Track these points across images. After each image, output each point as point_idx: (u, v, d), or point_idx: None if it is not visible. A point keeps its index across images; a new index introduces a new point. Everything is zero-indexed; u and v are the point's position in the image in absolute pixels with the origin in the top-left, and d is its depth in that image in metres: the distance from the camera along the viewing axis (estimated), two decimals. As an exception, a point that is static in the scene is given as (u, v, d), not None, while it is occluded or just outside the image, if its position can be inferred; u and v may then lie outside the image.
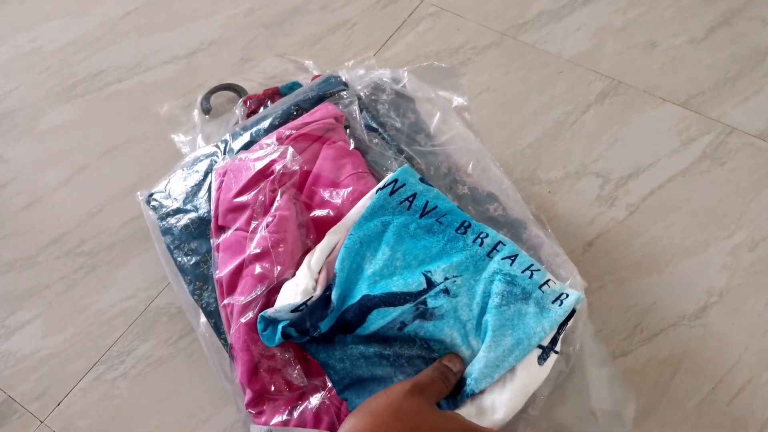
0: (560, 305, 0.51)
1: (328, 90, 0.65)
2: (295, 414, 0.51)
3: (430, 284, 0.52)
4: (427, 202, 0.55)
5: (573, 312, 0.51)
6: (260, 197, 0.56)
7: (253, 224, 0.56)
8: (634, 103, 0.79)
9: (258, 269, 0.54)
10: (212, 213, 0.60)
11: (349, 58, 0.77)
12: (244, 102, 0.75)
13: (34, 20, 0.92)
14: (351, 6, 0.91)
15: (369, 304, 0.50)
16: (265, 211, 0.56)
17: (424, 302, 0.51)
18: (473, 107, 0.77)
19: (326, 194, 0.58)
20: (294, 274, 0.53)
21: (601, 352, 0.55)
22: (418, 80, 0.65)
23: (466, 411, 0.47)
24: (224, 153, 0.64)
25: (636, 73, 0.82)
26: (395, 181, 0.55)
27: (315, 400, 0.51)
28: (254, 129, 0.64)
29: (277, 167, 0.57)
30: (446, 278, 0.52)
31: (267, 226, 0.55)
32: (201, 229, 0.61)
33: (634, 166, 0.75)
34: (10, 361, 0.66)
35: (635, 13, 0.88)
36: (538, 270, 0.53)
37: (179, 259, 0.60)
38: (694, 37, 0.85)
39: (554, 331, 0.50)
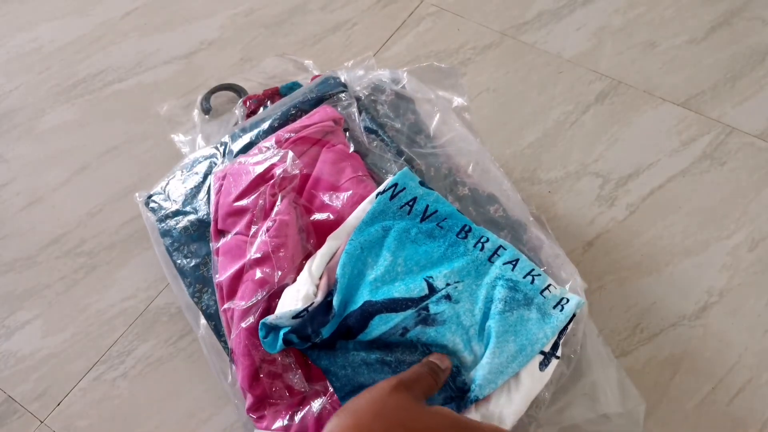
0: (561, 311, 0.51)
1: (327, 92, 0.65)
2: (297, 419, 0.51)
3: (432, 290, 0.51)
4: (427, 206, 0.55)
5: (573, 316, 0.51)
6: (260, 201, 0.56)
7: (253, 228, 0.56)
8: (634, 103, 0.79)
9: (258, 274, 0.53)
10: (211, 217, 0.60)
11: (348, 58, 0.77)
12: (244, 102, 0.75)
13: (34, 20, 0.92)
14: (351, 6, 0.91)
15: (371, 310, 0.50)
16: (265, 215, 0.56)
17: (426, 308, 0.51)
18: (473, 107, 0.77)
19: (326, 197, 0.57)
20: (295, 279, 0.53)
21: (607, 353, 0.55)
22: (418, 81, 0.65)
23: (471, 418, 0.47)
24: (223, 155, 0.64)
25: (636, 73, 0.82)
26: (395, 185, 0.55)
27: (316, 405, 0.51)
28: (253, 131, 0.64)
29: (277, 171, 0.57)
30: (448, 284, 0.52)
31: (267, 230, 0.55)
32: (200, 231, 0.60)
33: (634, 166, 0.74)
34: (10, 361, 0.66)
35: (635, 13, 0.88)
36: (539, 275, 0.53)
37: (179, 261, 0.60)
38: (694, 37, 0.85)
39: (555, 337, 0.50)
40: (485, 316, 0.52)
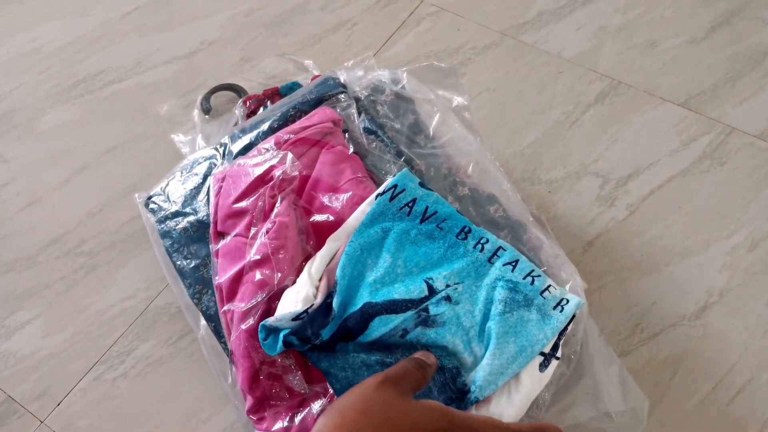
0: (561, 311, 0.51)
1: (326, 92, 0.65)
2: (297, 420, 0.51)
3: (432, 291, 0.51)
4: (427, 208, 0.55)
5: (573, 317, 0.51)
6: (259, 203, 0.56)
7: (253, 230, 0.56)
8: (634, 103, 0.79)
9: (258, 276, 0.53)
10: (211, 218, 0.60)
11: (349, 58, 0.77)
12: (244, 102, 0.75)
13: (34, 20, 0.92)
14: (351, 6, 0.91)
15: (371, 312, 0.50)
16: (265, 217, 0.56)
17: (426, 309, 0.51)
18: (473, 107, 0.77)
19: (325, 199, 0.57)
20: (294, 281, 0.53)
21: (609, 352, 0.55)
22: (418, 81, 0.65)
23: None
24: (223, 156, 0.64)
25: (636, 73, 0.82)
26: (395, 186, 0.55)
27: (316, 406, 0.51)
28: (253, 132, 0.64)
29: (277, 173, 0.57)
30: (447, 285, 0.52)
31: (267, 232, 0.54)
32: (200, 232, 0.60)
33: (634, 166, 0.74)
34: (10, 361, 0.66)
35: (635, 13, 0.88)
36: (539, 276, 0.53)
37: (178, 262, 0.60)
38: (694, 37, 0.85)
39: (555, 338, 0.50)
40: (485, 317, 0.52)
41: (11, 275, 0.71)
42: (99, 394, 0.64)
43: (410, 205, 0.55)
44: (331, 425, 0.37)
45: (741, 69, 0.81)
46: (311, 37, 0.88)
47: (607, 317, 0.65)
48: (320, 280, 0.52)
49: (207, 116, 0.79)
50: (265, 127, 0.63)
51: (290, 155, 0.58)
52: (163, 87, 0.85)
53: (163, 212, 0.63)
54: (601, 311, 0.65)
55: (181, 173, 0.65)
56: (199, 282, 0.59)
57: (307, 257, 0.55)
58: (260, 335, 0.50)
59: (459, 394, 0.49)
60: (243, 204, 0.57)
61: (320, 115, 0.62)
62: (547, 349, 0.50)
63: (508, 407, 0.47)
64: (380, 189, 0.55)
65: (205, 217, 0.60)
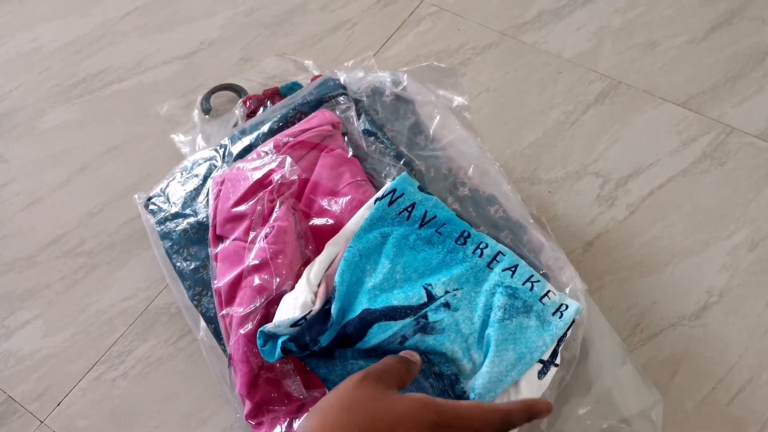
0: (560, 317, 0.51)
1: (326, 93, 0.65)
2: (295, 425, 0.51)
3: (431, 297, 0.51)
4: (426, 212, 0.55)
5: (572, 322, 0.51)
6: (258, 207, 0.56)
7: (252, 235, 0.55)
8: (634, 103, 0.79)
9: (257, 280, 0.53)
10: (210, 222, 0.59)
11: (349, 58, 0.77)
12: (244, 102, 0.75)
13: (34, 20, 0.92)
14: (351, 6, 0.91)
15: (369, 318, 0.49)
16: (264, 221, 0.56)
17: (425, 316, 0.50)
18: (473, 107, 0.77)
19: (325, 202, 0.57)
20: (293, 286, 0.53)
21: (620, 349, 0.55)
22: (418, 82, 0.65)
23: None
24: (223, 157, 0.64)
25: (636, 73, 0.82)
26: (393, 190, 0.55)
27: (315, 411, 0.51)
28: (253, 134, 0.64)
29: (276, 177, 0.57)
30: (447, 291, 0.52)
31: (266, 236, 0.54)
32: (200, 234, 0.60)
33: (634, 166, 0.74)
34: (10, 361, 0.66)
35: (635, 13, 0.88)
36: (539, 281, 0.53)
37: (178, 264, 0.60)
38: (694, 37, 0.85)
39: (554, 344, 0.50)
40: (484, 324, 0.51)
41: (11, 275, 0.71)
42: (99, 394, 0.64)
43: (409, 209, 0.55)
44: (313, 425, 0.36)
45: (741, 69, 0.81)
46: (311, 37, 0.88)
47: (607, 317, 0.64)
48: (319, 285, 0.51)
49: (207, 116, 0.79)
50: (265, 128, 0.63)
51: (289, 159, 0.58)
52: (163, 87, 0.85)
53: (162, 213, 0.62)
54: (601, 311, 0.65)
55: (181, 174, 0.65)
56: (198, 284, 0.59)
57: (306, 262, 0.54)
58: (258, 341, 0.49)
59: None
60: (242, 208, 0.56)
61: (319, 117, 0.62)
62: (546, 356, 0.50)
63: None
64: (379, 193, 0.55)
65: (205, 219, 0.60)
